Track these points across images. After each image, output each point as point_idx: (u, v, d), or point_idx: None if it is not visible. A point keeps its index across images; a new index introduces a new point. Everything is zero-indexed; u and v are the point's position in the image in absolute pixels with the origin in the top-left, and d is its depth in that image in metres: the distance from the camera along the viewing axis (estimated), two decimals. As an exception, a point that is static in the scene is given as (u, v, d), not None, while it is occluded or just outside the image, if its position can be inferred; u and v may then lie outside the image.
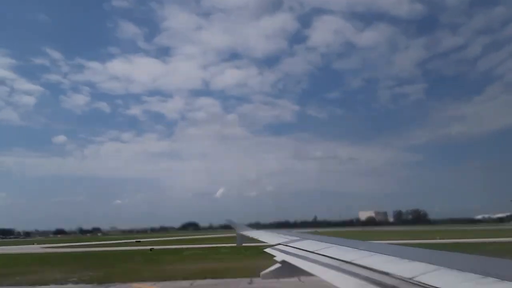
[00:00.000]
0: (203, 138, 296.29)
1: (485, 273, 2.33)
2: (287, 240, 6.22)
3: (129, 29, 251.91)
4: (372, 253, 3.67)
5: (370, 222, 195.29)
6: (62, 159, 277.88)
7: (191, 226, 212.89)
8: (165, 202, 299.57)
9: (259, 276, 5.08)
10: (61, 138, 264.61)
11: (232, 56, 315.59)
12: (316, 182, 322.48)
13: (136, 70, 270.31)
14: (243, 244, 12.11)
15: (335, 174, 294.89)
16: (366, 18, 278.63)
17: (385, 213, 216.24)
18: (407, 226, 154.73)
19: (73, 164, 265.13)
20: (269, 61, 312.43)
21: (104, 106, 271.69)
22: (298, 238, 6.23)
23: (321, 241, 5.26)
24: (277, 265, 4.97)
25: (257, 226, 17.15)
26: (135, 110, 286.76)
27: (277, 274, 4.89)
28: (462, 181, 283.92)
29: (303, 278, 12.62)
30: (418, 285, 2.48)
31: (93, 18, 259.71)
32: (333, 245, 4.72)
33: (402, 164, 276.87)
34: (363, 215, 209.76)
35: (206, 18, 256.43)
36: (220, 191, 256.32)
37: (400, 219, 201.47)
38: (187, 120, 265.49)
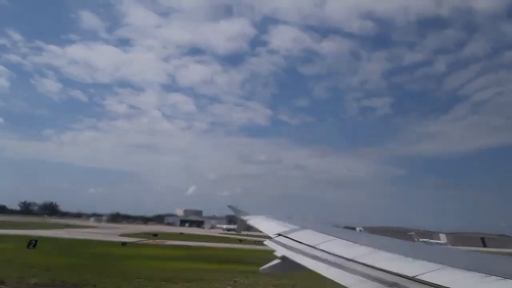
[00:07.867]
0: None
1: (489, 272, 2.33)
2: (287, 229, 6.07)
3: (91, 20, 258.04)
4: (374, 249, 3.65)
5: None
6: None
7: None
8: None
9: None
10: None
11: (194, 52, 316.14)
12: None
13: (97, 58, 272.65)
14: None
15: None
16: (321, 31, 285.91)
17: (199, 212, 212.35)
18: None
19: None
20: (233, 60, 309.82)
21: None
22: (297, 227, 6.07)
23: (322, 232, 5.19)
24: (277, 261, 4.92)
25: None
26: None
27: (276, 269, 4.85)
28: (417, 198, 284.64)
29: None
30: (422, 283, 2.47)
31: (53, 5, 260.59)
32: (334, 238, 4.67)
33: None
34: (179, 212, 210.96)
35: (165, 17, 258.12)
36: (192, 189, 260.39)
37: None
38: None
